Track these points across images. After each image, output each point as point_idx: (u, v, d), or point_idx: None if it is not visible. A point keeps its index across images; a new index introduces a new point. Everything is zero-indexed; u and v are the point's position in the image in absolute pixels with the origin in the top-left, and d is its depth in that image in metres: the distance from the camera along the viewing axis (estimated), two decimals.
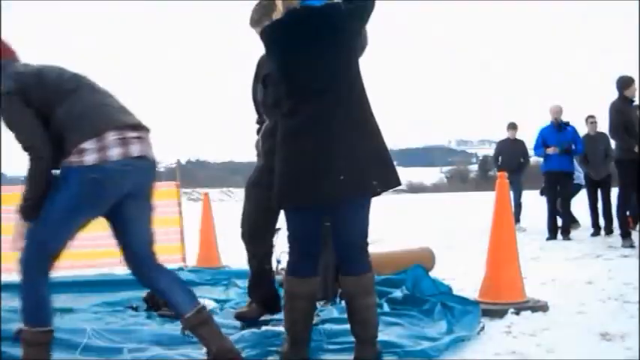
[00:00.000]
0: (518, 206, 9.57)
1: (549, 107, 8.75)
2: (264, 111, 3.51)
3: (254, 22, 3.25)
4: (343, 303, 2.90)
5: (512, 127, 10.23)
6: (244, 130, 3.85)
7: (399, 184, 2.56)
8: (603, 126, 8.43)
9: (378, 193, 2.48)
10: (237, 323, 3.35)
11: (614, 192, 8.24)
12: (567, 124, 8.54)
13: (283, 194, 2.50)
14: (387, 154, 2.54)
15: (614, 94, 7.03)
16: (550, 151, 8.35)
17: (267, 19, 3.07)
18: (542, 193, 9.13)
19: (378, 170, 2.47)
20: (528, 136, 9.44)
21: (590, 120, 8.84)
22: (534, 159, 10.36)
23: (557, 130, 8.45)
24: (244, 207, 3.49)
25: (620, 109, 6.86)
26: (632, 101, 6.94)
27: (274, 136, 2.71)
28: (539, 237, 8.58)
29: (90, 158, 2.26)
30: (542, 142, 8.57)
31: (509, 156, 10.07)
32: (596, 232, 8.54)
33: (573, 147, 8.41)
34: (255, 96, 3.68)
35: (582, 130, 8.85)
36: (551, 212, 8.51)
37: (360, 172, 2.41)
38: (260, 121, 3.68)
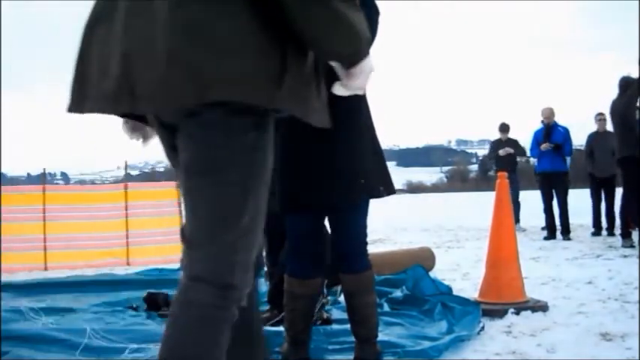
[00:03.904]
0: (516, 205, 9.59)
1: (540, 110, 8.84)
2: None
3: None
4: (344, 302, 2.90)
5: (503, 130, 10.25)
6: None
7: (394, 191, 2.64)
8: None
9: (379, 196, 2.53)
10: None
11: (617, 192, 8.26)
12: (558, 125, 8.62)
13: (288, 198, 2.50)
14: (384, 159, 2.62)
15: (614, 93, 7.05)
16: (543, 147, 8.44)
17: None
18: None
19: (380, 175, 2.52)
20: (529, 136, 9.47)
21: (599, 117, 8.82)
22: (531, 160, 10.40)
23: (549, 132, 8.52)
24: None
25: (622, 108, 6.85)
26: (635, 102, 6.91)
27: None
28: (539, 237, 8.60)
29: None
30: (536, 144, 8.65)
31: (503, 156, 10.08)
32: (597, 232, 8.55)
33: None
34: None
35: (588, 128, 8.93)
36: (547, 212, 8.56)
37: (366, 175, 2.45)
38: None
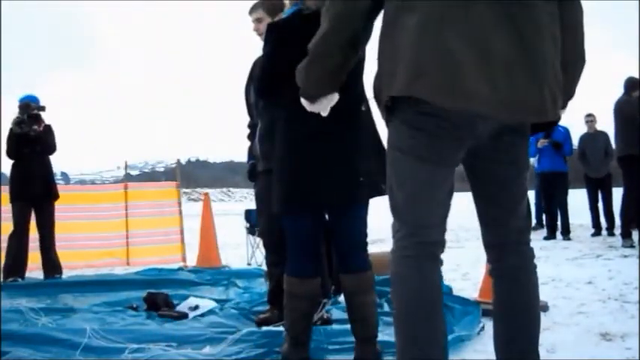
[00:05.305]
0: None
1: None
2: (255, 112, 3.52)
3: (252, 9, 3.37)
4: (344, 302, 2.90)
5: None
6: (244, 130, 3.84)
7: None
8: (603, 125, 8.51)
9: (382, 194, 2.52)
10: (237, 323, 3.35)
11: (614, 192, 8.24)
12: (558, 125, 8.60)
13: (287, 199, 2.49)
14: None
15: (615, 94, 7.04)
16: (540, 143, 8.45)
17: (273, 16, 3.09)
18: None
19: (383, 173, 2.51)
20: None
21: (588, 119, 8.85)
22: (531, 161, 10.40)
23: (549, 132, 8.51)
24: (260, 219, 3.53)
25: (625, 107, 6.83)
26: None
27: (271, 138, 2.71)
28: (539, 237, 8.59)
29: None
30: (535, 143, 8.64)
31: None
32: (597, 232, 8.55)
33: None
34: (247, 97, 3.68)
35: (581, 129, 8.94)
36: (547, 212, 8.54)
37: (366, 174, 2.46)
38: (252, 124, 3.68)
